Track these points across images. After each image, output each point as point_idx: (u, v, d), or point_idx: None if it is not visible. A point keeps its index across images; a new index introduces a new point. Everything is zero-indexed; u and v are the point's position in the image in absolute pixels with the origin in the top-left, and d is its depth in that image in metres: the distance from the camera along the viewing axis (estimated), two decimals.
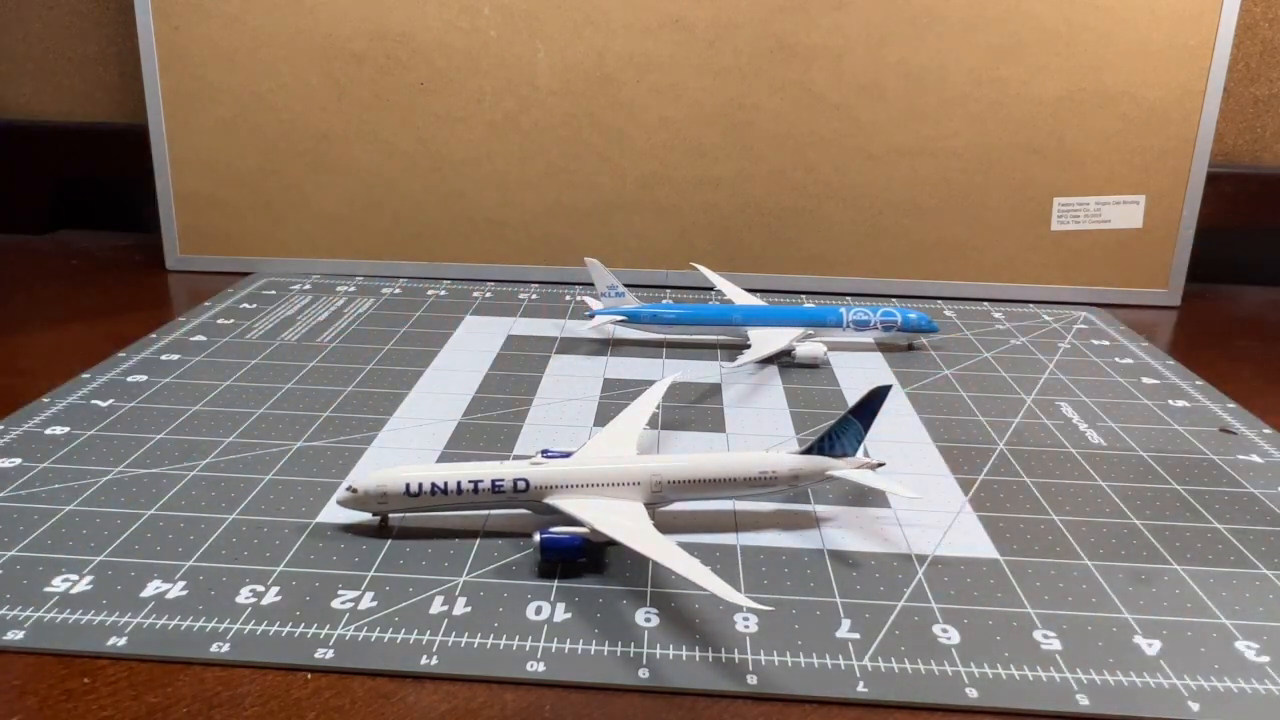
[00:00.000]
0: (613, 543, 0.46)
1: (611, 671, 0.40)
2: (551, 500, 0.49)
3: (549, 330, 0.83)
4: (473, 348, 0.79)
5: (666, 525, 0.51)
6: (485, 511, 0.52)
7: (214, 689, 0.39)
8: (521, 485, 0.49)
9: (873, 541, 0.51)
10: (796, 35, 0.93)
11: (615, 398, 0.69)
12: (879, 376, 0.75)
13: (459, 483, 0.48)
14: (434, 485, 0.48)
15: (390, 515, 0.50)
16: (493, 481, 0.48)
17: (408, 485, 0.48)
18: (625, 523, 0.46)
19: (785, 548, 0.50)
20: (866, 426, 0.52)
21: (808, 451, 0.52)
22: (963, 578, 0.47)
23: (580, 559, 0.47)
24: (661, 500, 0.50)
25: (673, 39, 0.93)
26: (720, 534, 0.51)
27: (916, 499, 0.53)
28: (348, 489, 0.49)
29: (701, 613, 0.44)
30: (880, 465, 0.52)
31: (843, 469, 0.51)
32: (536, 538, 0.47)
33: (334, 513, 0.51)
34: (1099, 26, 0.91)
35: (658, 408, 0.61)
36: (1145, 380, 0.76)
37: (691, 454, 0.60)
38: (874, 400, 0.51)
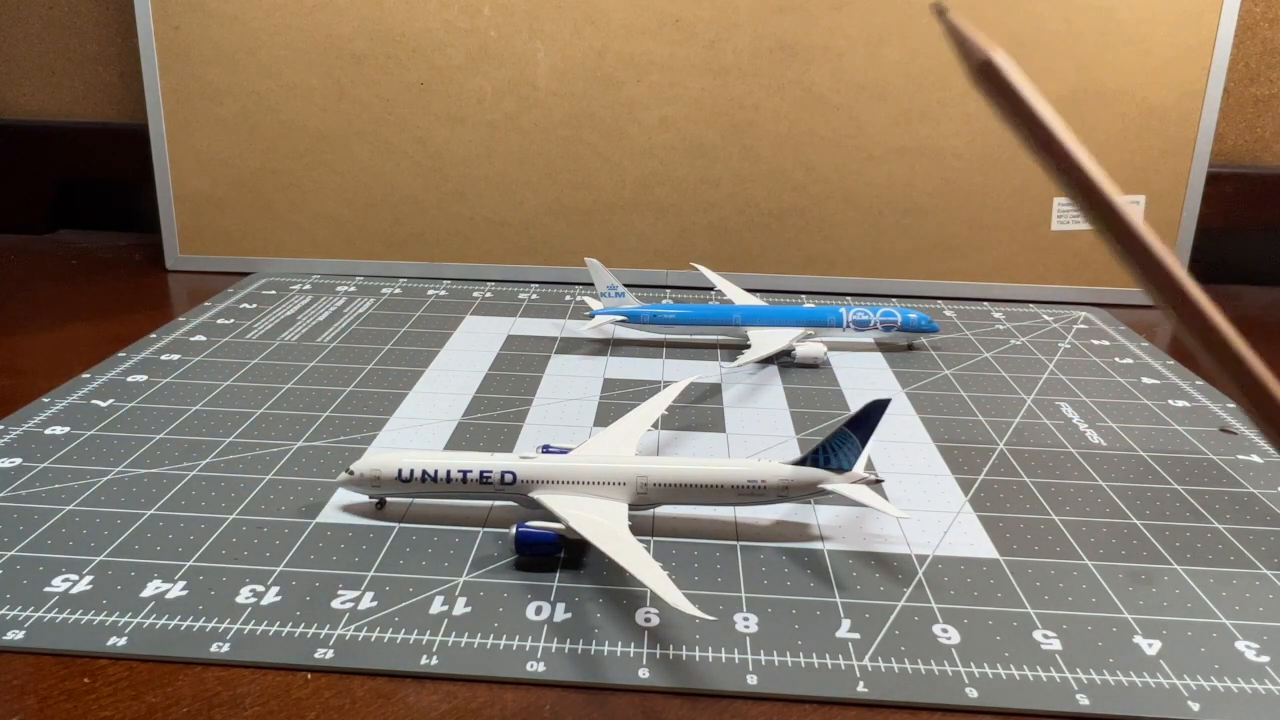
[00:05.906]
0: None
1: (611, 671, 0.40)
2: (536, 495, 0.49)
3: (549, 330, 0.83)
4: (473, 348, 0.79)
5: (667, 523, 0.51)
6: (487, 503, 0.52)
7: (214, 689, 0.39)
8: (509, 478, 0.49)
9: (873, 541, 0.51)
10: (796, 35, 0.93)
11: (615, 398, 0.69)
12: (879, 376, 0.75)
13: (449, 471, 0.49)
14: (425, 472, 0.49)
15: (388, 499, 0.52)
16: (481, 472, 0.49)
17: (400, 471, 0.49)
18: (600, 521, 0.46)
19: (785, 547, 0.50)
20: (864, 440, 0.50)
21: (800, 463, 0.50)
22: (963, 578, 0.47)
23: (558, 554, 0.47)
24: (647, 503, 0.50)
25: (672, 39, 0.93)
26: (721, 533, 0.51)
27: (905, 518, 0.52)
28: (347, 470, 0.51)
29: None
30: (880, 481, 0.51)
31: (837, 483, 0.50)
32: (512, 531, 0.47)
33: (334, 513, 0.52)
34: (1099, 26, 0.91)
35: (666, 409, 0.60)
36: (1145, 380, 0.76)
37: (682, 458, 0.60)
38: (871, 413, 0.49)
